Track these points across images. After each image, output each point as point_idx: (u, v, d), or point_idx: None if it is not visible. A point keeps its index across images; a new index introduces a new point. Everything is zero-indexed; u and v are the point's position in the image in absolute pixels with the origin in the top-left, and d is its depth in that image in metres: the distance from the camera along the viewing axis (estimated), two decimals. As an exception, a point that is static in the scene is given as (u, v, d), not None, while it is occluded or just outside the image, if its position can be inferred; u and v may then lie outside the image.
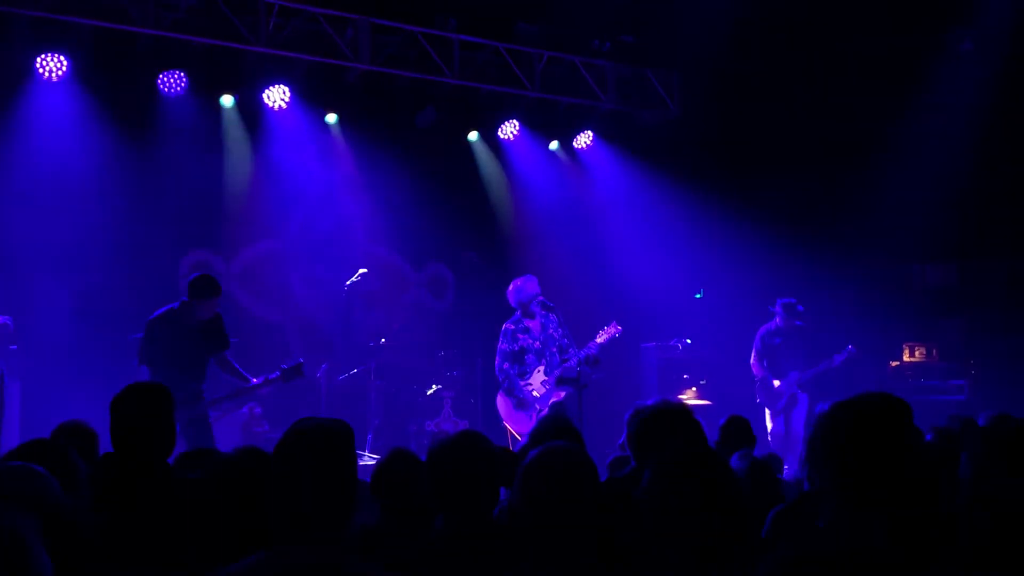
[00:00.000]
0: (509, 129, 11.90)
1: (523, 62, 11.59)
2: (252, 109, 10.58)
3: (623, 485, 3.79)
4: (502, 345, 8.46)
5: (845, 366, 9.75)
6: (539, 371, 8.36)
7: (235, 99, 10.49)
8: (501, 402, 8.49)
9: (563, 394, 8.30)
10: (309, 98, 10.66)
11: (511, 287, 8.54)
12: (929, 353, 11.59)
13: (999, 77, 11.11)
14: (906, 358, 11.60)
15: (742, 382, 10.29)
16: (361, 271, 9.82)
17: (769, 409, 9.94)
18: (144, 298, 8.77)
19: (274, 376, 7.37)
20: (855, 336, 10.06)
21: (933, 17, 11.20)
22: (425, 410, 10.70)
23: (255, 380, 7.35)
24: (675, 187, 11.92)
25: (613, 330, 8.40)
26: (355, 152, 11.22)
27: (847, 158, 11.79)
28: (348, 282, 9.79)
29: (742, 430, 5.37)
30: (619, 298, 11.25)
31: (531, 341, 8.40)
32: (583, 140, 12.44)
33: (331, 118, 11.10)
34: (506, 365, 8.40)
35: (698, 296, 12.52)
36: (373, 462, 5.85)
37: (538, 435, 4.05)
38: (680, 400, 9.82)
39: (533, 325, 8.42)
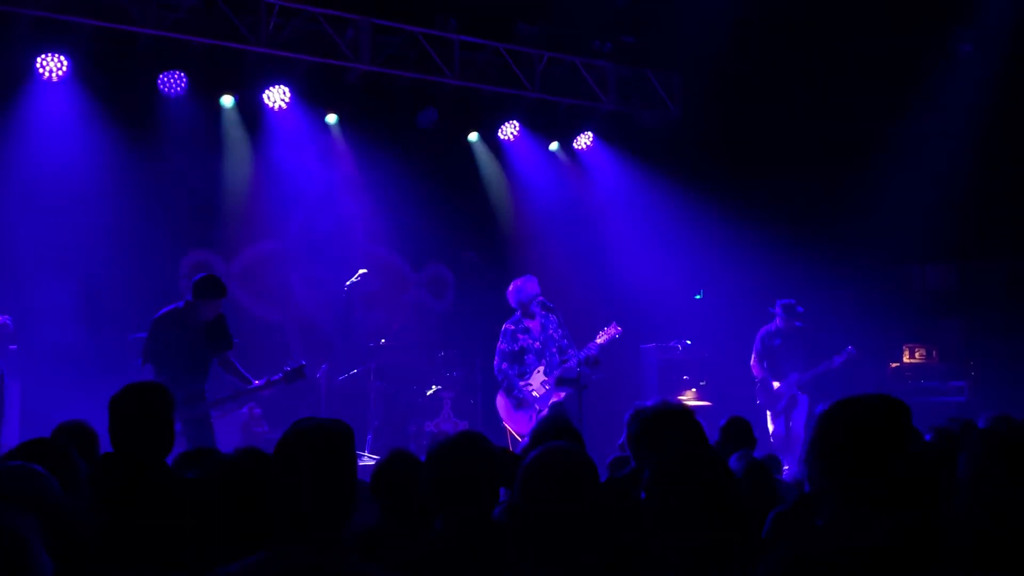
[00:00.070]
0: (509, 130, 11.89)
1: (523, 63, 11.59)
2: (252, 109, 10.58)
3: (623, 485, 3.79)
4: (501, 345, 8.46)
5: (845, 367, 9.75)
6: (539, 371, 8.37)
7: (235, 99, 10.49)
8: (501, 402, 8.50)
9: (563, 394, 8.31)
10: (309, 98, 10.67)
11: (511, 287, 8.54)
12: (929, 354, 11.58)
13: (999, 77, 11.10)
14: (906, 359, 11.60)
15: (742, 383, 10.29)
16: (361, 271, 9.82)
17: (770, 411, 9.94)
18: (144, 298, 8.78)
19: (276, 378, 7.37)
20: (855, 337, 10.06)
21: (933, 17, 11.19)
22: (425, 410, 10.70)
23: (257, 382, 7.36)
24: (675, 188, 11.93)
25: (613, 331, 8.40)
26: (355, 152, 11.22)
27: (847, 158, 11.79)
28: (348, 282, 9.80)
29: (742, 431, 5.36)
30: (619, 299, 11.25)
31: (531, 341, 8.40)
32: (583, 141, 12.44)
33: (331, 118, 11.10)
34: (504, 365, 8.40)
35: (698, 297, 12.52)
36: (373, 462, 5.85)
37: (538, 435, 4.05)
38: (680, 401, 9.83)
39: (533, 325, 8.42)
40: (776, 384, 9.89)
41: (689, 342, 11.36)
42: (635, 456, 3.91)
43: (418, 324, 11.81)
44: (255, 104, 10.53)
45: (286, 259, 11.28)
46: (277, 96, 10.47)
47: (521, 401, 8.34)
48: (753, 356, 10.04)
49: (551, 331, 8.41)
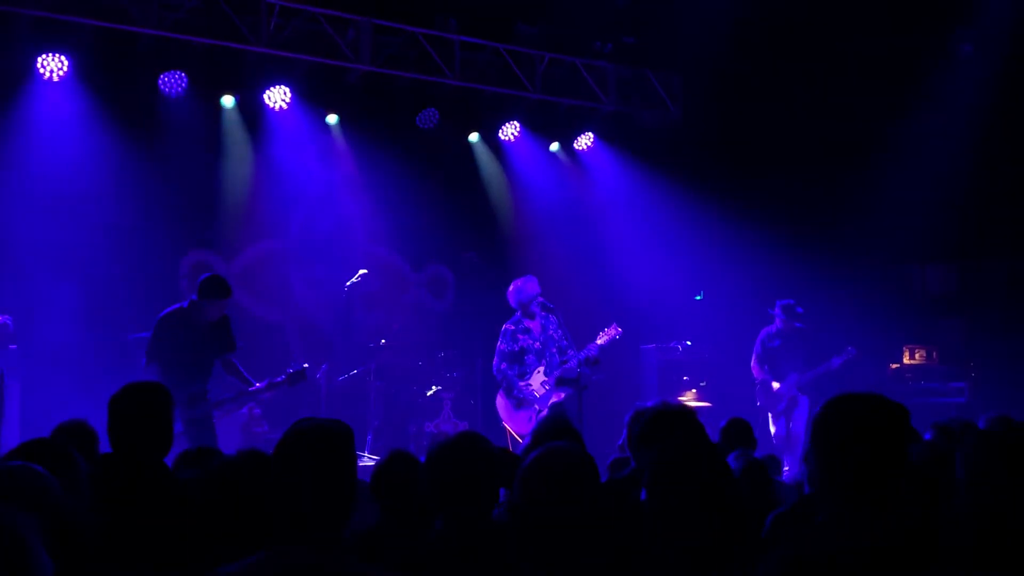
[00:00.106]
0: (510, 130, 11.89)
1: (524, 63, 11.60)
2: (253, 109, 10.58)
3: (623, 486, 3.79)
4: (501, 345, 8.46)
5: (845, 368, 9.74)
6: (539, 372, 8.37)
7: (236, 99, 10.49)
8: (501, 403, 8.50)
9: (563, 395, 8.31)
10: (310, 98, 10.67)
11: (511, 288, 8.53)
12: (929, 355, 11.57)
13: (999, 77, 11.10)
14: (906, 360, 11.59)
15: (742, 384, 10.28)
16: (361, 272, 9.83)
17: (770, 412, 9.93)
18: (144, 298, 8.79)
19: (279, 380, 7.36)
20: (855, 338, 10.05)
21: (933, 17, 11.19)
22: (425, 411, 10.71)
23: (259, 384, 7.34)
24: (676, 188, 11.93)
25: (613, 331, 8.40)
26: (355, 153, 11.22)
27: (847, 158, 11.79)
28: (348, 283, 9.80)
29: (743, 432, 5.35)
30: (619, 299, 11.25)
31: (531, 342, 8.40)
32: (584, 141, 12.44)
33: (332, 119, 11.10)
34: (504, 365, 8.40)
35: (698, 298, 12.52)
36: (373, 462, 5.85)
37: (538, 436, 4.05)
38: (680, 402, 9.82)
39: (533, 326, 8.42)
40: (776, 385, 9.88)
41: (689, 343, 11.36)
42: (635, 457, 3.91)
43: (418, 324, 11.82)
44: (255, 104, 10.53)
45: (286, 259, 11.29)
46: (277, 96, 10.47)
47: (521, 401, 8.34)
48: (753, 359, 10.02)
49: (551, 331, 8.41)
